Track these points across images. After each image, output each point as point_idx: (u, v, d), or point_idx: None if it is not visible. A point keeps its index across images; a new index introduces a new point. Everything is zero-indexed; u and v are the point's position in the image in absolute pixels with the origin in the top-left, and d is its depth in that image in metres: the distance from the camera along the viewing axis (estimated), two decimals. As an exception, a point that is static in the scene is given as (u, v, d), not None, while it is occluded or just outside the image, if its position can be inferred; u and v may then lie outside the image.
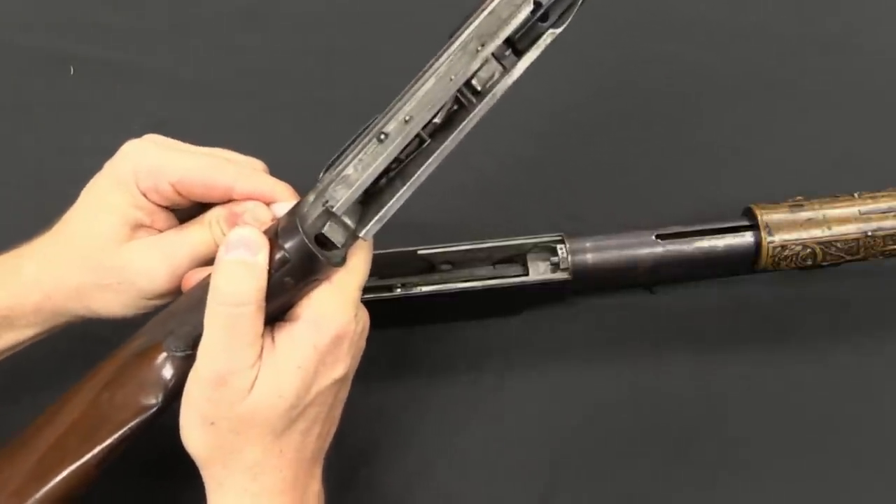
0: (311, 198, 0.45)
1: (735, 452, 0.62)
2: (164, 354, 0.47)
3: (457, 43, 0.44)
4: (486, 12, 0.44)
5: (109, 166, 0.51)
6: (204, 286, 0.47)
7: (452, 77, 0.44)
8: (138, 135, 0.52)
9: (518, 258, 0.62)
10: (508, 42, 0.45)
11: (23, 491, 0.47)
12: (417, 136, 0.45)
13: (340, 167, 0.45)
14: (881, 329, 0.67)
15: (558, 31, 0.45)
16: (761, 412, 0.63)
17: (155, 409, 0.47)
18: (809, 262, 0.62)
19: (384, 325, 0.62)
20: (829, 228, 0.61)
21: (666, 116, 0.76)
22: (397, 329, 0.65)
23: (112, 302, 0.51)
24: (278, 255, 0.45)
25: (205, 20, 0.81)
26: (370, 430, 0.62)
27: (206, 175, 0.50)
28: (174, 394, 0.47)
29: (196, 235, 0.51)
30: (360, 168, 0.44)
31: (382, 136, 0.44)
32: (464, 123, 0.45)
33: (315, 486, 0.50)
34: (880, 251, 0.62)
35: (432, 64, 0.44)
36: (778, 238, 0.61)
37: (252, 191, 0.50)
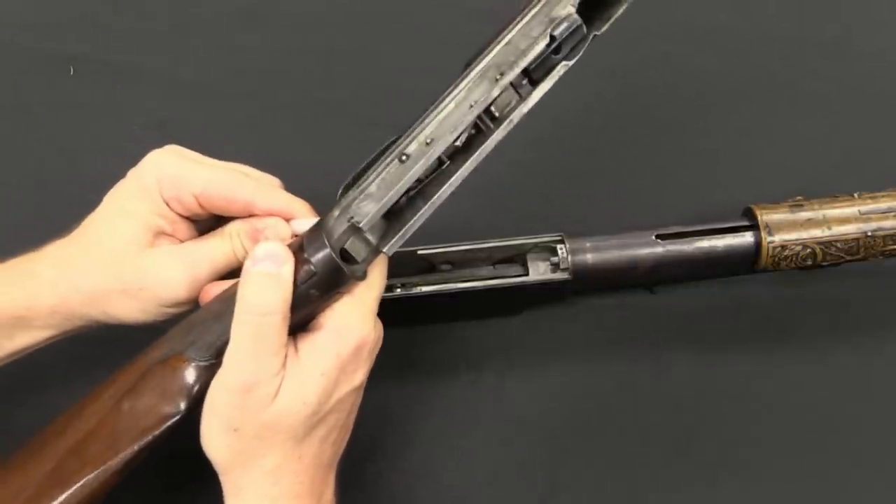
0: (335, 213, 0.47)
1: (735, 452, 0.62)
2: (186, 364, 0.48)
3: (476, 70, 0.46)
4: (503, 43, 0.46)
5: (133, 174, 0.53)
6: (225, 298, 0.48)
7: (472, 103, 0.46)
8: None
9: (518, 258, 0.62)
10: (525, 72, 0.47)
11: (42, 496, 0.47)
12: (437, 158, 0.47)
13: (364, 185, 0.47)
14: (881, 329, 0.67)
15: (571, 63, 0.48)
16: (761, 412, 0.63)
17: (177, 417, 0.48)
18: (809, 262, 0.62)
19: (384, 325, 0.62)
20: (829, 228, 0.61)
21: (666, 117, 0.76)
22: (397, 329, 0.65)
23: (130, 308, 0.52)
24: (304, 268, 0.47)
25: (205, 20, 0.81)
26: (371, 430, 0.62)
27: (228, 189, 0.51)
28: (196, 402, 0.48)
29: (217, 247, 0.52)
30: (383, 187, 0.47)
31: (404, 158, 0.47)
32: (482, 147, 0.48)
33: (329, 494, 0.51)
34: (880, 251, 0.62)
35: (451, 90, 0.47)
36: (778, 238, 0.61)
37: (272, 207, 0.51)
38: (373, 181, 0.47)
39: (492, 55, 0.46)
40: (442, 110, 0.46)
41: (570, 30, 0.47)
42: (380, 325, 0.51)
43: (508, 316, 0.66)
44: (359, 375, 0.49)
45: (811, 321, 0.67)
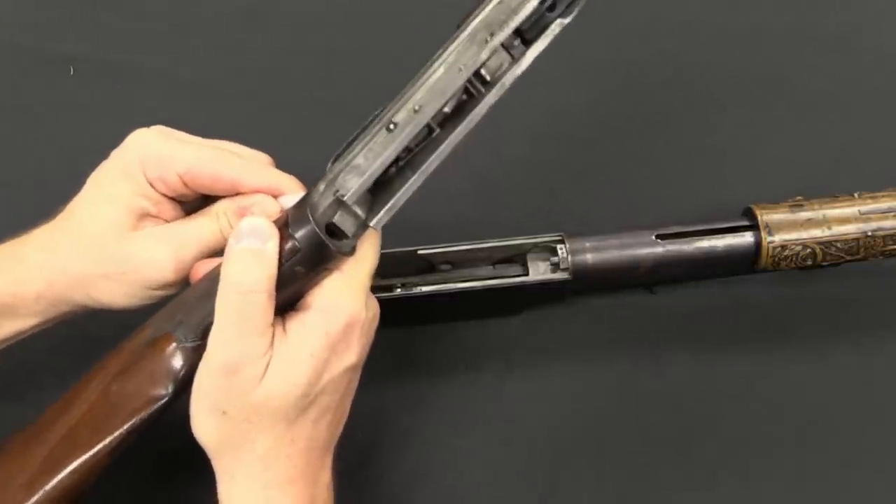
0: (321, 187, 0.46)
1: (735, 452, 0.62)
2: (173, 345, 0.47)
3: (466, 32, 0.44)
4: (494, 2, 0.44)
5: (116, 155, 0.51)
6: (212, 277, 0.47)
7: (462, 67, 0.44)
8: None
9: (518, 258, 0.62)
10: (517, 32, 0.45)
11: (34, 482, 0.47)
12: (427, 125, 0.45)
13: (350, 157, 0.45)
14: (881, 329, 0.67)
15: (566, 20, 0.45)
16: (761, 412, 0.63)
17: (165, 399, 0.47)
18: (809, 262, 0.62)
19: (384, 325, 0.62)
20: (829, 228, 0.61)
21: (666, 116, 0.76)
22: (397, 329, 0.65)
23: (116, 292, 0.51)
24: (289, 245, 0.45)
25: (205, 20, 0.81)
26: (370, 430, 0.62)
27: (214, 167, 0.50)
28: (184, 384, 0.47)
29: (203, 227, 0.51)
30: (370, 157, 0.45)
31: (392, 126, 0.45)
32: (473, 113, 0.45)
33: (326, 477, 0.50)
34: (880, 251, 0.62)
35: (440, 53, 0.45)
36: (778, 238, 0.61)
37: (259, 184, 0.50)
38: (359, 152, 0.45)
39: (482, 15, 0.44)
40: (431, 75, 0.44)
41: None
42: (375, 303, 0.49)
43: (508, 316, 0.66)
44: (351, 355, 0.47)
45: (811, 321, 0.67)
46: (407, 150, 0.46)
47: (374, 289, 0.59)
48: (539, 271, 0.62)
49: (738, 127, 0.75)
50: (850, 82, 0.77)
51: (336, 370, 0.47)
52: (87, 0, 0.82)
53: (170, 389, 0.47)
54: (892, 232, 0.61)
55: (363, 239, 0.47)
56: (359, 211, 0.46)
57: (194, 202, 0.53)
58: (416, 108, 0.44)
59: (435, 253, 0.61)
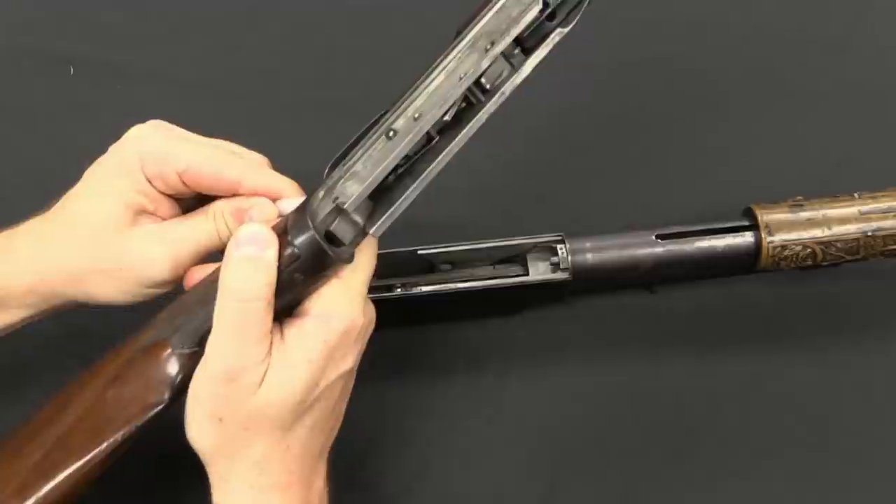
0: (320, 194, 0.45)
1: (735, 452, 0.62)
2: (170, 351, 0.47)
3: (465, 40, 0.44)
4: (494, 10, 0.44)
5: (114, 149, 0.51)
6: (209, 283, 0.47)
7: (462, 75, 0.44)
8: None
9: (518, 258, 0.62)
10: (517, 41, 0.45)
11: (27, 487, 0.47)
12: (426, 133, 0.45)
13: (349, 163, 0.45)
14: (881, 329, 0.67)
15: (566, 30, 0.45)
16: (761, 412, 0.63)
17: (161, 406, 0.47)
18: (809, 262, 0.62)
19: (384, 325, 0.62)
20: (829, 228, 0.61)
21: (666, 116, 0.76)
22: (397, 329, 0.65)
23: (109, 288, 0.50)
24: (288, 252, 0.45)
25: (204, 20, 0.81)
26: (370, 430, 0.62)
27: (214, 167, 0.49)
28: (181, 390, 0.47)
29: (200, 226, 0.50)
30: (369, 165, 0.45)
31: (391, 133, 0.45)
32: (473, 122, 0.45)
33: (319, 482, 0.50)
34: (880, 251, 0.62)
35: (440, 61, 0.44)
36: (778, 238, 0.61)
37: (259, 186, 0.50)
38: (358, 159, 0.45)
39: (482, 23, 0.44)
40: (430, 83, 0.44)
41: None
42: (371, 309, 0.49)
43: (508, 316, 0.66)
44: (348, 361, 0.47)
45: (811, 321, 0.67)
46: (406, 157, 0.46)
47: (375, 289, 0.60)
48: (539, 271, 0.62)
49: (738, 127, 0.75)
50: (850, 82, 0.77)
51: (332, 376, 0.47)
52: (87, 0, 0.82)
53: (166, 396, 0.47)
54: (892, 232, 0.61)
55: (361, 246, 0.47)
56: (358, 218, 0.46)
57: (191, 201, 0.52)
58: (416, 115, 0.44)
59: (435, 253, 0.61)
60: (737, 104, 0.76)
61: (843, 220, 0.61)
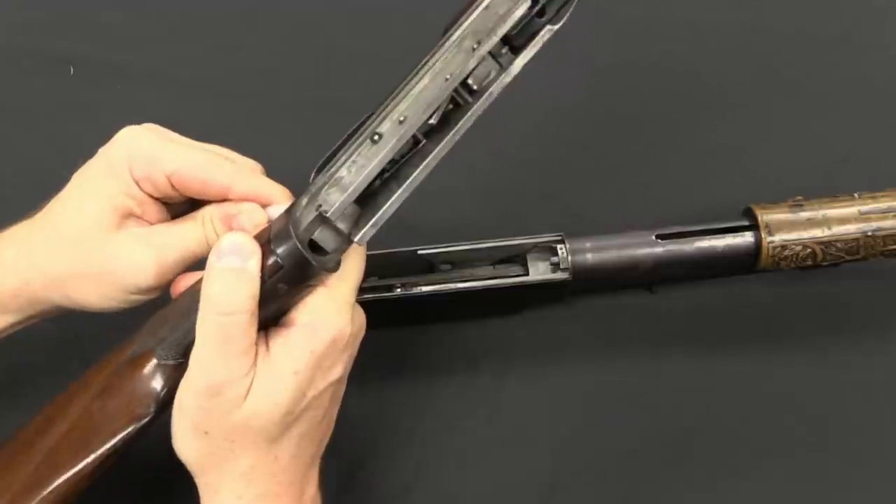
0: (303, 201, 0.44)
1: (735, 452, 0.62)
2: (155, 362, 0.46)
3: (451, 40, 0.43)
4: (481, 8, 0.43)
5: (103, 152, 0.50)
6: (194, 293, 0.46)
7: (448, 76, 0.43)
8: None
9: (518, 258, 0.62)
10: (504, 39, 0.44)
11: (17, 502, 0.46)
12: (412, 136, 0.44)
13: (333, 169, 0.44)
14: (881, 329, 0.67)
15: (556, 27, 0.44)
16: (761, 412, 0.63)
17: (147, 418, 0.47)
18: (809, 262, 0.62)
19: (384, 325, 0.62)
20: (829, 228, 0.61)
21: (666, 116, 0.76)
22: (397, 329, 0.65)
23: (93, 293, 0.49)
24: (271, 261, 0.44)
25: (204, 20, 0.81)
26: (369, 430, 0.62)
27: (204, 171, 0.48)
28: (166, 403, 0.46)
29: (188, 232, 0.49)
30: (353, 170, 0.44)
31: (376, 137, 0.43)
32: (460, 124, 0.44)
33: (311, 490, 0.49)
34: (880, 251, 0.62)
35: (426, 61, 0.43)
36: (778, 238, 0.61)
37: (249, 192, 0.49)
38: (343, 164, 0.43)
39: (468, 22, 0.42)
40: (416, 85, 0.43)
41: None
42: (360, 316, 0.48)
43: (508, 316, 0.66)
44: (337, 370, 0.46)
45: (811, 321, 0.67)
46: (392, 161, 0.44)
47: (375, 289, 0.60)
48: (539, 271, 0.61)
49: (738, 127, 0.75)
50: (850, 82, 0.77)
51: (320, 386, 0.46)
52: (87, 0, 0.82)
53: (152, 409, 0.46)
54: (892, 232, 0.61)
55: (347, 253, 0.46)
56: (342, 226, 0.45)
57: (181, 206, 0.51)
58: (402, 118, 0.43)
59: (435, 253, 0.61)
60: (737, 104, 0.76)
61: (843, 220, 0.61)
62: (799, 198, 0.63)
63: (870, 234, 0.61)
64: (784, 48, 0.79)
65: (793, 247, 0.61)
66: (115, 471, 0.48)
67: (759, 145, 0.74)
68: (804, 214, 0.61)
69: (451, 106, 0.45)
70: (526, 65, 0.44)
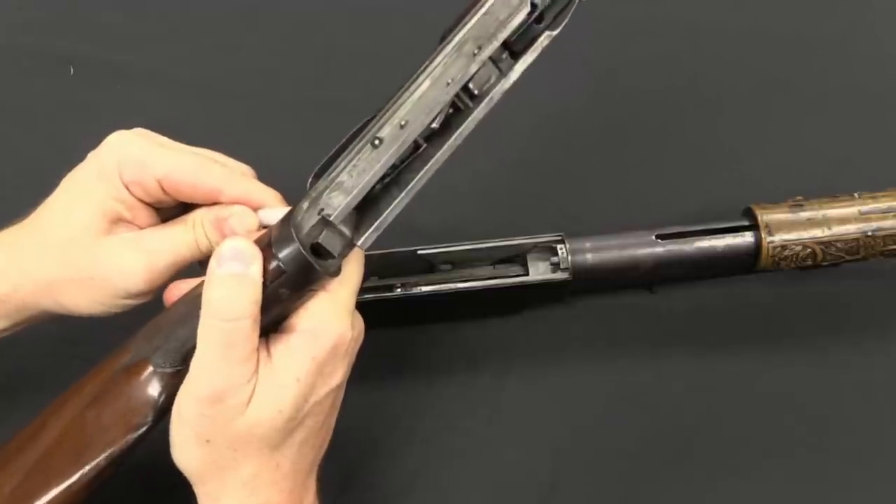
0: (304, 205, 0.44)
1: (735, 452, 0.62)
2: (151, 370, 0.46)
3: (451, 45, 0.43)
4: (480, 13, 0.43)
5: (93, 156, 0.50)
6: (190, 300, 0.46)
7: (449, 81, 0.43)
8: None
9: (518, 258, 0.62)
10: (504, 45, 0.44)
11: None
12: (413, 141, 0.44)
13: (334, 174, 0.44)
14: (881, 329, 0.67)
15: (555, 33, 0.44)
16: (761, 412, 0.63)
17: (145, 427, 0.46)
18: (809, 262, 0.62)
19: (384, 325, 0.62)
20: (829, 228, 0.61)
21: (666, 117, 0.76)
22: (397, 329, 0.65)
23: (83, 298, 0.49)
24: (273, 266, 0.43)
25: (204, 20, 0.81)
26: (369, 430, 0.62)
27: (194, 174, 0.48)
28: (164, 411, 0.46)
29: (178, 235, 0.49)
30: (354, 175, 0.44)
31: (377, 142, 0.43)
32: (461, 128, 0.44)
33: (310, 497, 0.49)
34: (880, 251, 0.62)
35: (426, 66, 0.43)
36: (778, 238, 0.61)
37: (240, 195, 0.48)
38: (343, 169, 0.43)
39: (468, 27, 0.42)
40: (416, 89, 0.43)
41: None
42: (359, 321, 0.48)
43: (508, 316, 0.66)
44: (337, 376, 0.46)
45: (811, 321, 0.67)
46: (393, 166, 0.44)
47: (375, 289, 0.60)
48: (539, 271, 0.62)
49: (738, 127, 0.75)
50: (850, 83, 0.77)
51: (322, 392, 0.46)
52: (87, 0, 0.82)
53: (149, 418, 0.46)
54: (892, 232, 0.61)
55: (348, 258, 0.46)
56: (345, 230, 0.45)
57: (171, 210, 0.51)
58: (403, 123, 0.43)
59: (435, 253, 0.61)
60: (737, 105, 0.76)
61: (843, 220, 0.61)
62: (799, 198, 0.63)
63: (870, 234, 0.61)
64: (784, 49, 0.79)
65: (793, 247, 0.61)
66: (112, 482, 0.47)
67: (759, 146, 0.74)
68: (804, 214, 0.61)
69: (451, 110, 0.45)
70: (526, 70, 0.44)
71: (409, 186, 0.44)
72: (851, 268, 0.64)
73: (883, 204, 0.61)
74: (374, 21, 0.80)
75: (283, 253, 0.43)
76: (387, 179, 0.46)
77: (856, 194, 0.62)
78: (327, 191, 0.44)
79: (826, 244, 0.61)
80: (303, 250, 0.43)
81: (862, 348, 0.66)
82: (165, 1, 0.82)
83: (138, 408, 0.46)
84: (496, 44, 0.43)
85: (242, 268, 0.43)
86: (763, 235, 0.61)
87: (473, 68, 0.43)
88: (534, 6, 0.43)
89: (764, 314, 0.67)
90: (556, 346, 0.66)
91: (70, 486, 0.46)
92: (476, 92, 0.44)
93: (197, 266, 0.50)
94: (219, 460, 0.45)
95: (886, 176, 0.67)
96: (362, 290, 0.54)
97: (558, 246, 0.61)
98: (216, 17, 0.81)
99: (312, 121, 0.75)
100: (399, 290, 0.60)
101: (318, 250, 0.44)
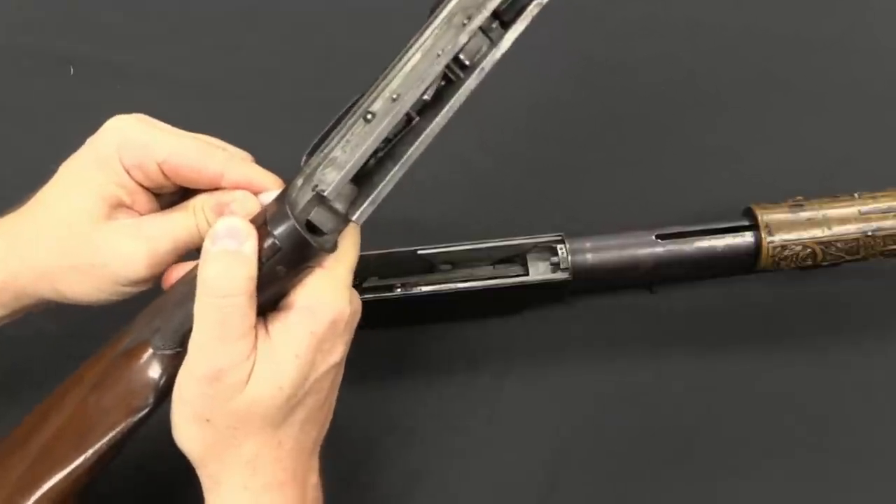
0: (298, 182, 0.44)
1: (735, 452, 0.62)
2: (151, 353, 0.46)
3: (441, 16, 0.43)
4: None
5: (91, 141, 0.49)
6: (189, 280, 0.46)
7: (440, 52, 0.43)
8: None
9: (518, 258, 0.62)
10: (494, 14, 0.44)
11: (13, 501, 0.46)
12: (406, 114, 0.44)
13: (327, 150, 0.44)
14: (881, 329, 0.67)
15: (545, 1, 0.44)
16: (761, 412, 0.63)
17: (146, 410, 0.46)
18: (809, 262, 0.62)
19: (384, 325, 0.62)
20: (829, 228, 0.61)
21: (666, 116, 0.76)
22: (397, 329, 0.65)
23: (83, 285, 0.48)
24: (268, 243, 0.43)
25: (204, 20, 0.81)
26: (369, 430, 0.62)
27: (196, 158, 0.48)
28: (165, 393, 0.46)
29: (179, 221, 0.48)
30: (348, 150, 0.43)
31: (369, 116, 0.43)
32: (453, 100, 0.44)
33: (314, 478, 0.49)
34: (880, 251, 0.62)
35: (416, 39, 0.43)
36: (778, 238, 0.61)
37: (241, 179, 0.48)
38: (336, 144, 0.43)
39: None
40: (407, 62, 0.43)
41: None
42: (357, 298, 0.47)
43: (508, 316, 0.66)
44: (336, 352, 0.46)
45: (811, 321, 0.67)
46: (386, 140, 0.44)
47: (375, 289, 0.60)
48: (539, 271, 0.62)
49: (738, 127, 0.75)
50: (850, 82, 0.77)
51: (321, 369, 0.46)
52: (87, 0, 0.82)
53: (150, 400, 0.46)
54: (892, 232, 0.61)
55: (344, 234, 0.45)
56: (339, 206, 0.44)
57: (172, 196, 0.50)
58: (394, 96, 0.43)
59: (435, 253, 0.61)
60: (736, 104, 0.76)
61: (843, 220, 0.61)
62: (799, 198, 0.63)
63: (870, 234, 0.61)
64: (784, 48, 0.79)
65: (793, 247, 0.61)
66: (115, 465, 0.47)
67: (759, 145, 0.74)
68: (804, 214, 0.61)
69: (443, 82, 0.45)
70: (517, 39, 0.44)
71: (404, 159, 0.44)
72: (851, 268, 0.64)
73: (883, 204, 0.61)
74: (374, 21, 0.80)
75: (279, 230, 0.43)
76: (380, 154, 0.45)
77: (856, 194, 0.62)
78: (321, 167, 0.44)
79: (826, 244, 0.61)
80: (298, 226, 0.43)
81: (862, 348, 0.66)
82: (165, 1, 0.82)
83: (139, 391, 0.46)
84: (485, 13, 0.43)
85: (236, 244, 0.43)
86: (763, 235, 0.61)
87: (463, 39, 0.43)
88: None
89: (764, 314, 0.67)
90: (556, 346, 0.66)
91: (74, 470, 0.46)
92: (467, 63, 0.44)
93: (197, 253, 0.50)
94: (220, 440, 0.45)
95: (886, 176, 0.67)
96: (362, 290, 0.54)
97: (558, 246, 0.61)
98: (216, 17, 0.81)
99: (312, 121, 0.74)
100: (399, 290, 0.60)
101: (313, 226, 0.44)
